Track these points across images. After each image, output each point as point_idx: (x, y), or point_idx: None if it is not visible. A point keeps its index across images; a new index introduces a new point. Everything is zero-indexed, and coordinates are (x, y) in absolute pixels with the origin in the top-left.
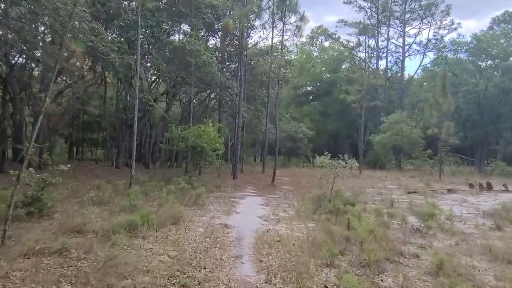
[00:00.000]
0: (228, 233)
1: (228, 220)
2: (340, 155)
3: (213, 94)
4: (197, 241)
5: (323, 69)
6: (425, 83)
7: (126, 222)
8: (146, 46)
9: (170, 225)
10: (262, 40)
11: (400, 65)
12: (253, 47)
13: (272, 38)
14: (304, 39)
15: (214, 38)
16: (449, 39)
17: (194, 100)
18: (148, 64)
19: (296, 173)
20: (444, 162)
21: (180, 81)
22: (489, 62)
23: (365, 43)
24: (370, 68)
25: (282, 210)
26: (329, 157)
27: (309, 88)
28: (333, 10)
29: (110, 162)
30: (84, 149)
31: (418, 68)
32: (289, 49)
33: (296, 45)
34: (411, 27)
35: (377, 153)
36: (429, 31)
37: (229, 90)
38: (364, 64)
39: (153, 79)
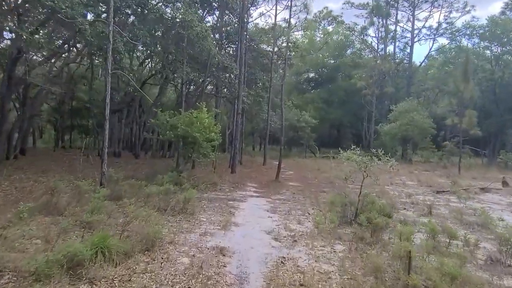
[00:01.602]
0: (224, 265)
1: (225, 239)
2: (374, 150)
3: (209, 78)
4: (177, 286)
5: (327, 54)
6: (429, 72)
7: (66, 254)
8: (129, 15)
9: (140, 254)
10: (263, 15)
11: (407, 51)
12: (254, 28)
13: (276, 15)
14: (310, 16)
15: (211, 17)
16: (462, 22)
17: (191, 87)
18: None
19: (299, 165)
20: (454, 154)
21: (171, 59)
22: (506, 47)
23: (378, 23)
24: (378, 54)
25: (296, 221)
26: (358, 151)
27: (311, 75)
28: None
29: (97, 151)
30: (74, 136)
31: (429, 53)
32: (296, 24)
33: (306, 20)
34: (421, 10)
35: (384, 144)
36: (440, 15)
37: (227, 72)
38: (377, 46)
39: (142, 58)
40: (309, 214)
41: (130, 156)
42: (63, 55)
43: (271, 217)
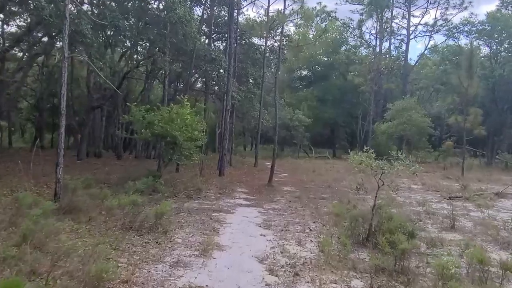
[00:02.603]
0: None
1: (203, 272)
2: (393, 153)
3: (196, 72)
4: None
5: (320, 51)
6: (421, 71)
7: None
8: None
9: None
10: (254, 4)
11: (403, 49)
12: (246, 21)
13: (269, 5)
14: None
15: (199, 8)
16: (460, 19)
17: (180, 85)
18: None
19: (293, 166)
20: (450, 154)
21: (153, 49)
22: (505, 44)
23: (375, 16)
24: (376, 48)
25: (295, 241)
26: (373, 154)
27: (304, 73)
28: None
29: (76, 151)
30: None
31: (425, 50)
32: (292, 12)
33: (301, 7)
34: (417, 6)
35: (379, 144)
36: (436, 11)
37: (215, 64)
38: (375, 41)
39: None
40: (310, 230)
41: (112, 157)
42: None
43: (264, 235)
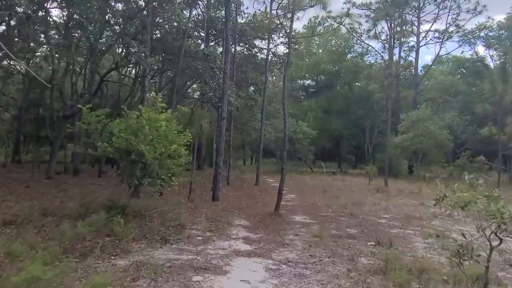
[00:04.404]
0: None
1: None
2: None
3: (189, 82)
4: None
5: (324, 59)
6: (426, 82)
7: None
8: None
9: None
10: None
11: (413, 56)
12: (245, 24)
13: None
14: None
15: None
16: (475, 24)
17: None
18: None
19: (299, 184)
20: (466, 169)
21: (134, 44)
22: None
23: (393, 15)
24: (392, 48)
25: None
26: (482, 182)
27: (308, 82)
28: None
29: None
30: (44, 149)
31: (436, 58)
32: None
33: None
34: (426, 13)
35: (390, 158)
36: (448, 16)
37: (209, 62)
38: (391, 43)
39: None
40: None
41: (93, 174)
42: None
43: None
